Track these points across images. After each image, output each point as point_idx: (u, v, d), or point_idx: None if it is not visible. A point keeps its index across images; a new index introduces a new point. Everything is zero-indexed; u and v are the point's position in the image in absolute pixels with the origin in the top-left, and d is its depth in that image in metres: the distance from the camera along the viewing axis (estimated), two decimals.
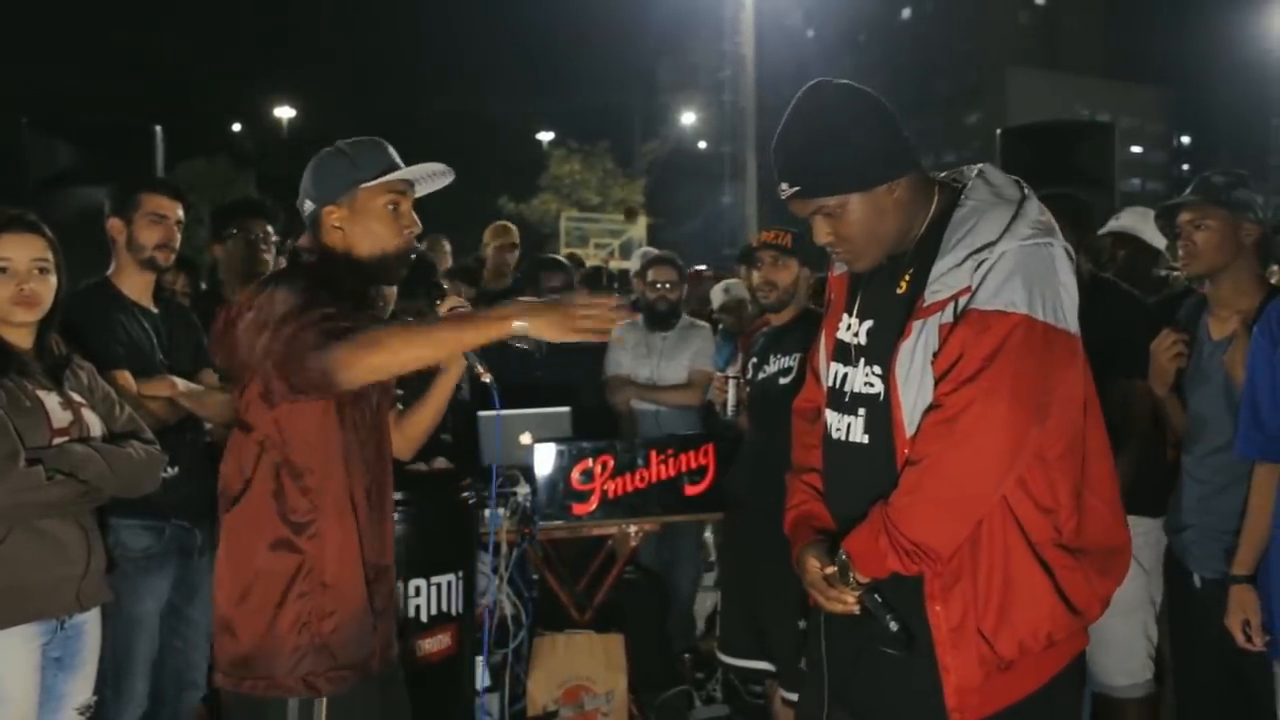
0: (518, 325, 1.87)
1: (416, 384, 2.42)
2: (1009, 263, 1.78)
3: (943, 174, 1.99)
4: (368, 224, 2.14)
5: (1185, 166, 62.16)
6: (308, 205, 2.19)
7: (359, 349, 1.89)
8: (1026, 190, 1.90)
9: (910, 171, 1.89)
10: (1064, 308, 1.81)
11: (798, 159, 1.89)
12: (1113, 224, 4.11)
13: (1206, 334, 2.80)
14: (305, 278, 2.08)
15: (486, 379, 2.25)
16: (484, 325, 1.93)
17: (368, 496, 2.16)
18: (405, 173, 2.17)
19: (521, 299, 1.96)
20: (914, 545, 1.78)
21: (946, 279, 1.82)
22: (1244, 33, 37.62)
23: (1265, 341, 2.45)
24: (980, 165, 1.98)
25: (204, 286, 4.69)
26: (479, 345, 1.99)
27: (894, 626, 1.84)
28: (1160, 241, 4.11)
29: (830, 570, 1.89)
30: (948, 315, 1.81)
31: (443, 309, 2.33)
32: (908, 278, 1.90)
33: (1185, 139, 65.28)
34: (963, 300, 1.80)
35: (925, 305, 1.84)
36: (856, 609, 1.88)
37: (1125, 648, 3.10)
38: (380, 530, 2.20)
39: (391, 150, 2.20)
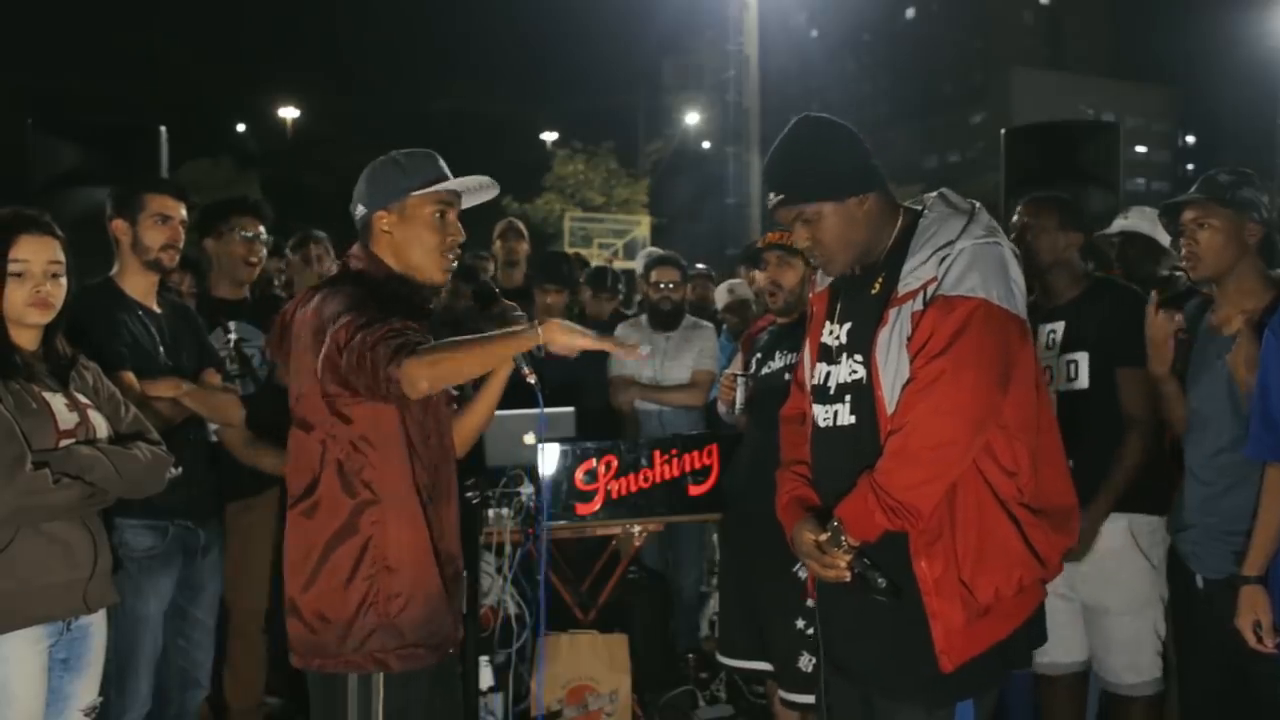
0: (542, 339, 2.13)
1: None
2: (967, 257, 2.08)
3: (906, 201, 2.30)
4: (416, 230, 2.30)
5: (1190, 166, 62.01)
6: (360, 210, 2.33)
7: (425, 364, 2.03)
8: (977, 205, 2.22)
9: (876, 189, 2.21)
10: (1014, 296, 2.10)
11: (783, 173, 2.22)
12: (1120, 223, 4.10)
13: (1209, 331, 2.80)
14: (354, 285, 2.24)
15: (531, 379, 2.38)
16: (521, 339, 2.14)
17: (433, 486, 2.29)
18: (453, 183, 2.33)
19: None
20: (898, 503, 2.02)
21: (917, 272, 2.11)
22: (1249, 32, 37.51)
23: (1277, 342, 2.43)
24: (939, 190, 2.29)
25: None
26: (515, 353, 2.23)
27: (882, 583, 2.06)
28: (1166, 239, 4.11)
29: (824, 537, 2.12)
30: (918, 303, 2.10)
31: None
32: (880, 281, 2.20)
33: (1190, 139, 65.10)
34: (930, 289, 2.09)
35: (899, 295, 2.12)
36: (848, 575, 2.10)
37: (1134, 645, 3.10)
38: (447, 519, 2.34)
39: (442, 162, 2.35)
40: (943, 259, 2.09)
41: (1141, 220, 4.08)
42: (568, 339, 2.14)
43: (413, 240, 2.30)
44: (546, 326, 2.13)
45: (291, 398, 2.30)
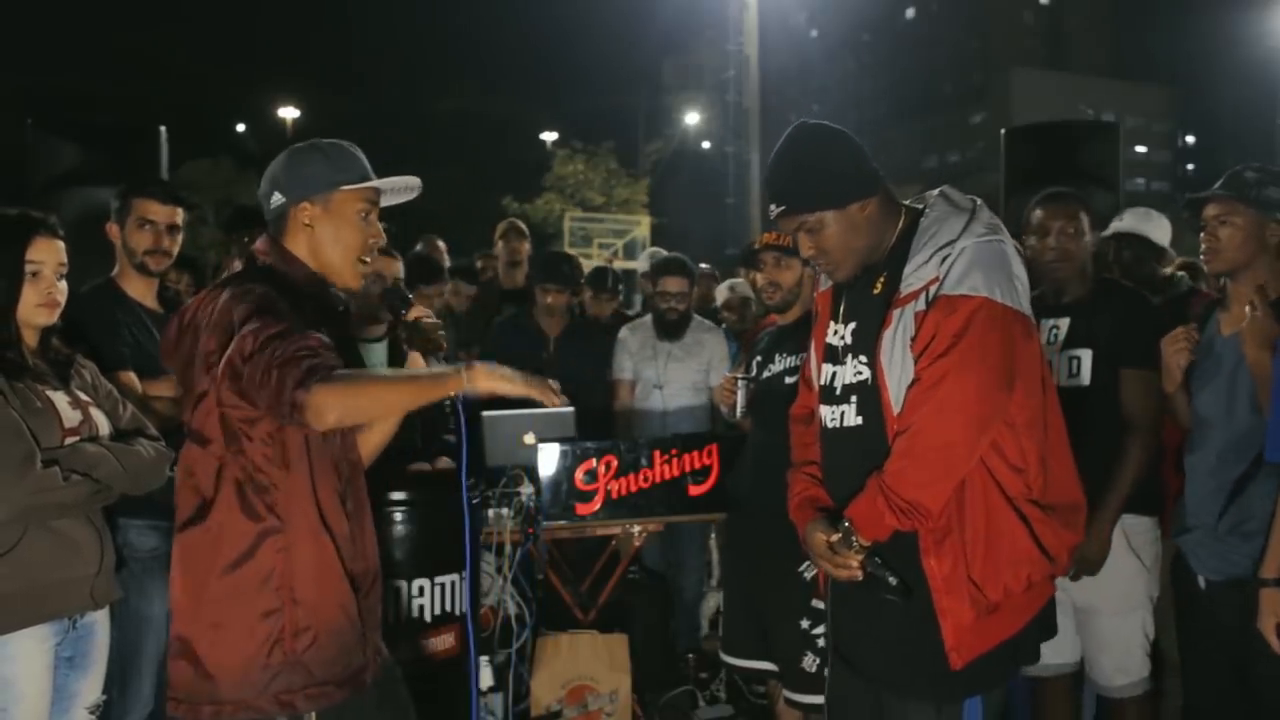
0: (466, 385, 1.98)
1: None
2: (969, 256, 2.10)
3: (907, 200, 2.32)
4: (339, 227, 2.11)
5: (1190, 166, 62.09)
6: (275, 199, 2.12)
7: (338, 393, 1.84)
8: (978, 202, 2.23)
9: (877, 193, 2.23)
10: (1017, 293, 2.12)
11: (783, 183, 2.24)
12: (1115, 225, 4.10)
13: (1217, 330, 2.78)
14: (264, 284, 2.01)
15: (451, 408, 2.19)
16: (442, 384, 1.99)
17: (343, 504, 2.08)
18: (385, 183, 2.17)
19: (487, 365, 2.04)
20: (907, 503, 2.06)
21: (919, 273, 2.14)
22: (1249, 32, 37.51)
23: None
24: (941, 188, 2.31)
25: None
26: (436, 399, 2.01)
27: (894, 581, 2.10)
28: (1164, 238, 4.12)
29: (835, 537, 2.15)
30: (921, 303, 2.12)
31: (411, 315, 2.35)
32: (882, 281, 2.23)
33: (1190, 139, 65.06)
34: (933, 289, 2.11)
35: (902, 296, 2.15)
36: (860, 574, 2.13)
37: (1124, 647, 3.09)
38: (360, 537, 2.13)
39: (365, 158, 2.17)
40: (944, 258, 2.11)
41: (1137, 221, 4.08)
42: (491, 384, 2.00)
43: (334, 238, 2.11)
44: (472, 373, 1.98)
45: (186, 407, 2.06)
